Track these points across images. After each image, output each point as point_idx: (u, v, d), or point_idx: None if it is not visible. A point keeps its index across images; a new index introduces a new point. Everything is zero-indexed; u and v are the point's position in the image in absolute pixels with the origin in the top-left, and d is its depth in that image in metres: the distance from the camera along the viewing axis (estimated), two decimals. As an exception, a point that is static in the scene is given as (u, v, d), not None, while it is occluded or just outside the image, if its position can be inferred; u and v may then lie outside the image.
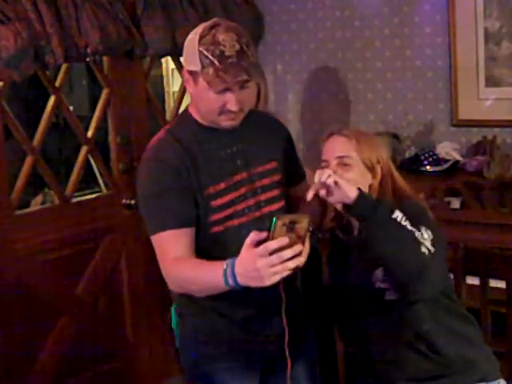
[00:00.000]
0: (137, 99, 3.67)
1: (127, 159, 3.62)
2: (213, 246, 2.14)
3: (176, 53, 3.76)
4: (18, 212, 3.25)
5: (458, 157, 3.65)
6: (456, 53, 3.73)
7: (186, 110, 2.23)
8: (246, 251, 1.85)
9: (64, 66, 3.34)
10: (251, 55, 2.05)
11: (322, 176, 2.01)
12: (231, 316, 2.19)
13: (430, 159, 3.63)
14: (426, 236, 2.04)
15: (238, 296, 2.07)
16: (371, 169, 2.19)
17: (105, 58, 3.54)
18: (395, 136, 3.84)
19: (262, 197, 2.21)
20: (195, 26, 3.61)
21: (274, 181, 2.24)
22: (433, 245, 2.03)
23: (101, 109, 3.55)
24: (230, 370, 2.23)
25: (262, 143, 2.25)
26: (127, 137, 3.61)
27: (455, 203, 3.44)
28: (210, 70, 2.01)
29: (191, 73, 2.08)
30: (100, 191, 3.83)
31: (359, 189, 2.02)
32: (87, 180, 3.90)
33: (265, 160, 2.23)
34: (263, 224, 2.16)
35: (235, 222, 2.16)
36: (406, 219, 2.02)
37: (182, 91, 3.98)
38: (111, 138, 3.60)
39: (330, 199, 2.04)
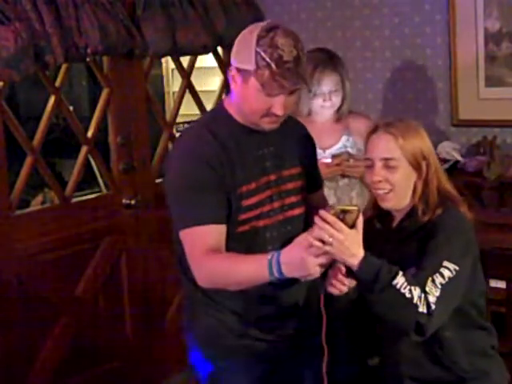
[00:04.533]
0: (137, 99, 3.66)
1: (127, 159, 3.62)
2: (236, 245, 2.12)
3: (176, 53, 3.76)
4: (18, 212, 3.24)
5: (458, 157, 3.65)
6: (456, 53, 3.74)
7: (222, 105, 2.21)
8: (294, 242, 1.91)
9: (64, 66, 3.34)
10: (305, 62, 2.06)
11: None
12: (245, 315, 2.20)
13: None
14: (437, 282, 2.02)
15: (253, 297, 2.13)
16: (416, 167, 2.16)
17: (105, 58, 3.53)
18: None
19: (286, 200, 2.21)
20: (195, 26, 3.69)
21: (297, 186, 2.25)
22: (444, 287, 2.02)
23: (101, 109, 3.55)
24: (239, 368, 2.24)
25: (290, 148, 2.25)
26: (127, 137, 3.61)
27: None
28: (266, 73, 1.99)
29: (241, 71, 2.06)
30: (100, 191, 3.83)
31: (364, 256, 1.97)
32: (87, 180, 3.90)
33: (291, 165, 2.24)
34: (285, 228, 2.18)
35: (261, 223, 2.16)
36: (408, 283, 1.98)
37: (182, 91, 3.98)
38: (111, 138, 3.60)
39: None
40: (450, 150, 3.68)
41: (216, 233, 2.07)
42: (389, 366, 2.27)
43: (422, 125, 3.92)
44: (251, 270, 2.00)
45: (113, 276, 3.57)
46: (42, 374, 3.28)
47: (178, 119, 4.15)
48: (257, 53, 1.99)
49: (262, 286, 2.08)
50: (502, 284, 2.80)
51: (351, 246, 1.92)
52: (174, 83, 5.04)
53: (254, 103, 2.06)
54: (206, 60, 4.36)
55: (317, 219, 1.90)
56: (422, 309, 1.97)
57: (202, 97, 4.09)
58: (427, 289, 2.00)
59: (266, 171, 2.18)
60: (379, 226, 2.24)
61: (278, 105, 2.04)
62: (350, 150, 3.14)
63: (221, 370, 2.25)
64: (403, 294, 1.96)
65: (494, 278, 2.76)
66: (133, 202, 3.59)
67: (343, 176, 3.12)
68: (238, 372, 2.23)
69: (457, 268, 2.05)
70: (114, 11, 3.34)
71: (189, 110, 4.34)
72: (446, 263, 2.05)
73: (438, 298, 2.00)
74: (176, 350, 3.75)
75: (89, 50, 3.20)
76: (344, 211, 1.91)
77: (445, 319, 2.07)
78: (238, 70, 2.06)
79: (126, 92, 3.59)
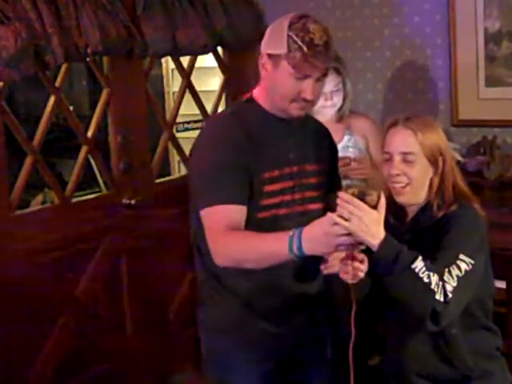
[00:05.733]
0: (137, 99, 3.66)
1: (127, 159, 3.61)
2: (257, 230, 2.14)
3: (176, 53, 3.76)
4: (18, 212, 3.24)
5: (458, 157, 3.65)
6: (456, 53, 3.74)
7: (250, 94, 2.27)
8: (317, 220, 1.94)
9: (64, 66, 3.34)
10: (333, 49, 2.14)
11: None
12: (255, 307, 2.23)
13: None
14: (454, 273, 2.03)
15: (265, 288, 2.18)
16: (434, 163, 2.20)
17: (105, 58, 3.53)
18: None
19: (307, 194, 2.26)
20: (195, 26, 3.69)
21: (318, 181, 2.29)
22: (460, 279, 2.03)
23: (101, 109, 3.55)
24: (248, 360, 2.26)
25: (315, 145, 2.31)
26: (127, 137, 3.61)
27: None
28: (298, 55, 2.07)
29: (272, 56, 2.13)
30: (100, 191, 3.83)
31: (385, 236, 1.99)
32: (87, 180, 3.90)
33: (313, 160, 2.29)
34: (303, 220, 2.21)
35: (281, 211, 2.20)
36: (427, 269, 1.99)
37: (182, 91, 3.98)
38: (111, 138, 3.60)
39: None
40: (450, 150, 3.66)
41: (237, 213, 2.11)
42: (394, 362, 2.27)
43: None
44: (271, 246, 2.02)
45: (113, 276, 3.57)
46: (42, 374, 3.28)
47: (178, 119, 4.15)
48: (289, 36, 2.09)
49: (274, 279, 2.14)
50: (501, 284, 2.80)
51: (371, 225, 1.92)
52: (174, 83, 5.04)
53: (284, 87, 2.12)
54: (206, 60, 4.36)
55: (338, 198, 1.94)
56: (439, 296, 1.99)
57: (202, 97, 4.09)
58: (445, 278, 2.02)
59: (289, 162, 2.22)
60: (393, 221, 2.25)
61: (308, 88, 2.10)
62: (351, 149, 3.15)
63: (230, 361, 2.27)
64: (421, 279, 1.98)
65: (494, 278, 2.76)
66: (133, 201, 3.59)
67: (345, 177, 3.13)
68: (247, 364, 2.26)
69: (472, 262, 2.07)
70: (114, 11, 3.34)
71: (189, 110, 4.34)
72: (462, 256, 2.07)
73: (454, 288, 2.01)
74: (176, 350, 3.75)
75: (89, 50, 3.20)
76: (363, 193, 1.93)
77: (458, 312, 2.08)
78: (269, 55, 2.14)
79: (126, 92, 3.59)
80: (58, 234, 3.30)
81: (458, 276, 2.03)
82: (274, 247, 2.01)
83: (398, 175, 2.18)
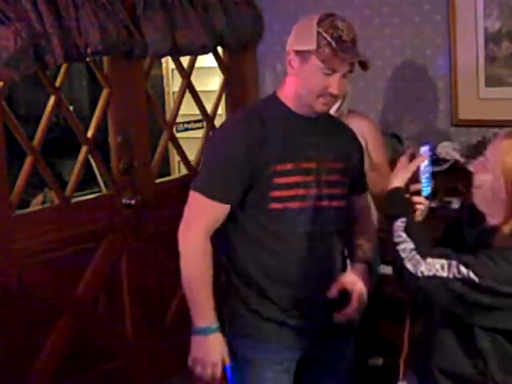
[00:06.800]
0: (137, 99, 3.66)
1: (127, 159, 3.62)
2: (268, 221, 2.24)
3: (176, 53, 3.76)
4: (18, 212, 3.24)
5: (458, 157, 3.65)
6: (456, 53, 3.74)
7: (274, 94, 2.33)
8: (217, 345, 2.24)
9: (64, 66, 3.34)
10: (359, 46, 2.21)
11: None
12: (273, 299, 2.26)
13: (430, 159, 3.62)
14: (452, 270, 1.98)
15: (284, 281, 2.24)
16: (508, 185, 2.08)
17: (105, 58, 3.54)
18: (395, 136, 3.84)
19: (325, 191, 2.29)
20: (195, 26, 3.69)
21: (340, 180, 2.33)
22: (455, 279, 1.98)
23: (101, 109, 3.55)
24: (267, 353, 2.29)
25: (337, 143, 2.35)
26: (127, 137, 3.61)
27: (455, 203, 3.44)
28: (327, 50, 2.14)
29: (300, 52, 2.20)
30: (100, 191, 3.83)
31: (396, 188, 2.12)
32: (87, 180, 3.90)
33: (336, 158, 2.32)
34: (320, 215, 2.27)
35: (295, 204, 2.24)
36: (405, 230, 2.06)
37: (182, 91, 3.98)
38: (111, 138, 3.60)
39: None
40: (450, 150, 3.68)
41: (219, 211, 2.22)
42: (419, 357, 2.24)
43: (422, 125, 3.91)
44: (199, 311, 2.24)
45: (113, 276, 3.57)
46: (42, 374, 3.28)
47: (178, 119, 4.15)
48: (318, 33, 2.16)
49: (291, 272, 2.22)
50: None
51: (394, 176, 2.16)
52: (174, 83, 5.04)
53: (312, 82, 2.19)
54: (206, 60, 4.37)
55: None
56: (408, 265, 2.01)
57: (202, 97, 4.09)
58: (429, 260, 2.00)
59: (307, 158, 2.26)
60: (465, 229, 2.22)
61: (335, 83, 2.17)
62: None
63: (250, 353, 2.30)
64: (393, 235, 2.07)
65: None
66: (133, 202, 3.59)
67: None
68: (266, 361, 2.29)
69: (477, 280, 1.97)
70: (114, 11, 3.34)
71: (189, 110, 4.34)
72: (472, 269, 1.98)
73: (430, 277, 1.98)
74: (176, 350, 3.75)
75: (89, 50, 3.20)
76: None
77: (451, 302, 2.02)
78: (297, 52, 2.21)
79: (126, 92, 3.59)
80: (58, 234, 3.31)
81: (454, 274, 1.97)
82: (198, 313, 2.23)
83: (473, 173, 2.19)
